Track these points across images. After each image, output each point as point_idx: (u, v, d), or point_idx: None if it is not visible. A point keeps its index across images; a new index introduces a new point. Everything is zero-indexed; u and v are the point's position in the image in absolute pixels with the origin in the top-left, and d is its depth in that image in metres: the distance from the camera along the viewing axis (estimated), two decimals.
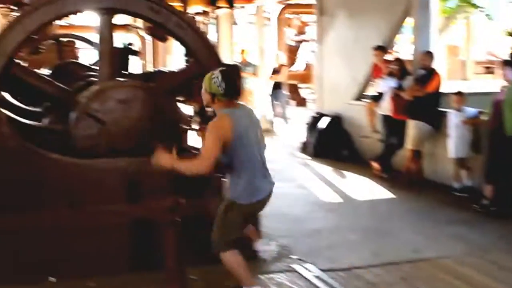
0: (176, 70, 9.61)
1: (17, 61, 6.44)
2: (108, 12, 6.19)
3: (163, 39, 10.99)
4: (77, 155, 5.74)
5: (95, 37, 7.46)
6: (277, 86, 16.26)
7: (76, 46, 18.86)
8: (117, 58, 6.70)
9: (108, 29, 6.27)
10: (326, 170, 11.21)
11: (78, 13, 6.72)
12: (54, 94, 6.61)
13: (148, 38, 21.14)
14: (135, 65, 12.32)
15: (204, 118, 9.55)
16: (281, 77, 16.33)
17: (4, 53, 5.99)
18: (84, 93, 6.14)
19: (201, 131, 10.08)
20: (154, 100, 6.01)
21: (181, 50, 12.28)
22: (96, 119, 5.80)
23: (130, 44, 11.03)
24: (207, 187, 5.73)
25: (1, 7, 17.10)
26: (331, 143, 12.34)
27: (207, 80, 4.91)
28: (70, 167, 5.62)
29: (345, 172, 10.91)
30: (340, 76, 12.91)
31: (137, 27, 20.03)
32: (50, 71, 11.88)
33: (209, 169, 4.75)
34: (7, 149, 5.43)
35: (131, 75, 9.10)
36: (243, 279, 5.08)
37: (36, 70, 7.99)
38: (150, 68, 21.53)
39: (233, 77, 5.04)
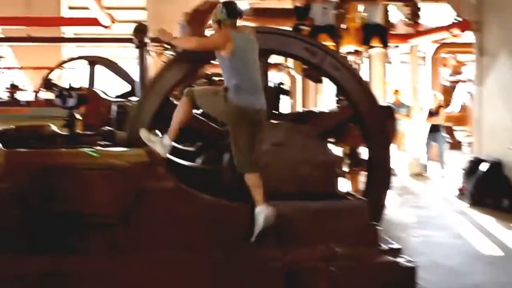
0: (328, 111, 9.60)
1: (171, 100, 6.69)
2: (264, 53, 6.30)
3: (318, 81, 11.03)
4: (229, 197, 5.82)
5: None
6: (434, 128, 15.98)
7: None
8: (270, 98, 6.78)
9: (263, 70, 6.36)
10: (484, 219, 10.80)
11: None
12: (206, 134, 6.78)
13: (298, 77, 21.34)
14: (283, 104, 12.47)
15: (354, 160, 9.49)
16: (440, 119, 16.06)
17: (160, 93, 6.26)
18: None
19: (351, 174, 10.02)
20: (308, 143, 6.01)
21: (332, 89, 12.33)
22: None
23: (281, 83, 11.16)
24: (362, 235, 5.62)
25: (156, 45, 17.88)
26: (490, 190, 11.93)
27: (213, 14, 6.04)
28: (222, 209, 5.69)
29: (506, 223, 10.47)
30: (501, 119, 12.47)
31: (287, 67, 20.28)
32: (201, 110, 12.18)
33: (192, 48, 6.06)
34: (162, 189, 5.59)
35: (281, 115, 9.17)
36: (259, 197, 5.62)
37: None
38: (299, 108, 21.72)
39: (233, 4, 6.06)
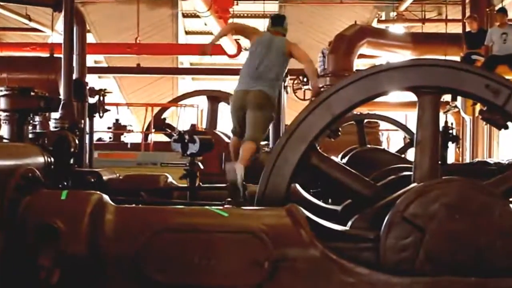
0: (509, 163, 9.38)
1: (317, 148, 6.72)
2: (433, 91, 6.25)
3: (502, 126, 10.64)
4: (387, 270, 5.77)
5: (401, 117, 7.58)
6: None
7: (379, 128, 19.25)
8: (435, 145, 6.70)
9: (432, 112, 6.31)
10: None
11: (394, 92, 6.85)
12: (357, 191, 6.74)
13: (468, 120, 21.02)
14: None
15: None
16: None
17: (304, 139, 6.28)
18: (399, 192, 6.18)
19: None
20: (489, 204, 5.88)
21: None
22: (414, 226, 5.80)
23: (448, 127, 11.02)
24: None
25: (292, 79, 18.06)
26: None
27: None
28: (380, 286, 5.66)
29: None
30: None
31: (455, 106, 20.00)
32: (346, 158, 12.21)
33: (228, 28, 11.71)
34: (306, 258, 5.61)
35: (448, 167, 9.04)
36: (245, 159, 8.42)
37: (333, 158, 8.26)
38: (467, 157, 21.36)
39: (275, 16, 10.60)
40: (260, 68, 9.33)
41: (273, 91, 9.39)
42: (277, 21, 10.04)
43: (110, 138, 22.91)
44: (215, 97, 18.47)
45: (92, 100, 11.27)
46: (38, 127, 9.15)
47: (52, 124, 8.88)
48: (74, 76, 9.69)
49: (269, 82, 9.33)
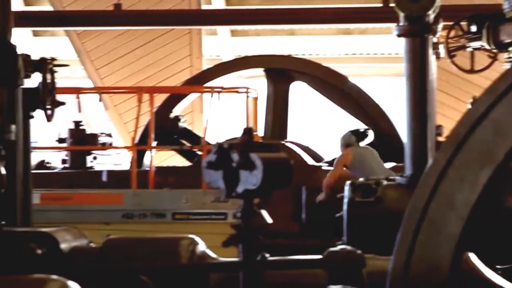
0: None
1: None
2: None
3: None
4: None
5: None
6: None
7: None
8: None
9: None
10: None
11: None
12: None
13: None
14: None
15: None
16: None
17: (489, 157, 6.13)
18: None
19: None
20: None
21: None
22: None
23: None
24: None
25: (447, 27, 18.07)
26: None
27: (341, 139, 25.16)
28: None
29: None
30: None
31: None
32: None
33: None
34: None
35: None
36: None
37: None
38: None
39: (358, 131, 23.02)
40: None
41: None
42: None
43: (64, 161, 22.96)
44: (282, 72, 18.19)
45: (28, 83, 11.29)
46: None
47: None
48: None
49: None
